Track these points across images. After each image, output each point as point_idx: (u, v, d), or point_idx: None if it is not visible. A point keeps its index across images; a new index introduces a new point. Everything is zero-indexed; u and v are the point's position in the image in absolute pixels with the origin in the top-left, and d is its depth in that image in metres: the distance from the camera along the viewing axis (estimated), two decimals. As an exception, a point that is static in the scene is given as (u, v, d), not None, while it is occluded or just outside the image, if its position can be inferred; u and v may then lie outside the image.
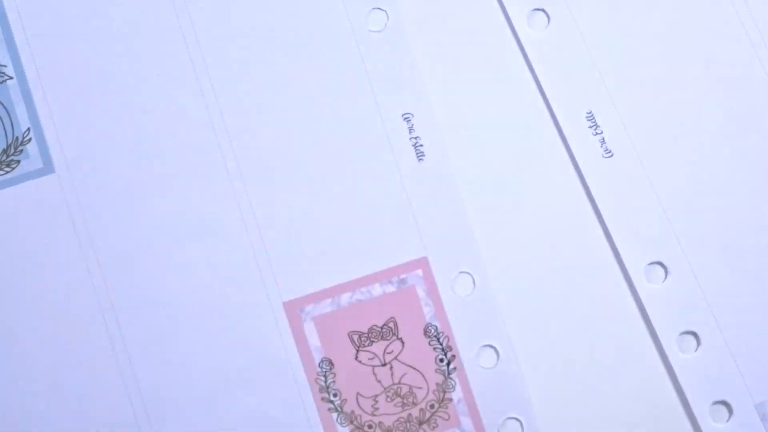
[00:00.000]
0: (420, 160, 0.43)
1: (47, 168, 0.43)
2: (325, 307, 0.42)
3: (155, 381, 0.42)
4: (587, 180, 0.43)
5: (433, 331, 0.42)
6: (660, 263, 0.43)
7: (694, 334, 0.42)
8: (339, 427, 0.42)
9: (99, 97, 0.43)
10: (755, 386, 0.42)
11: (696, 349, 0.42)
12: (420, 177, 0.43)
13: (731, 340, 0.42)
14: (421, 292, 0.42)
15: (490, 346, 0.42)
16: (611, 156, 0.43)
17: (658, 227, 0.43)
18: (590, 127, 0.43)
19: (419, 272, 0.42)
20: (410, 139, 0.43)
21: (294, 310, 0.42)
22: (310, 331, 0.42)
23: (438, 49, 0.44)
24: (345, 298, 0.42)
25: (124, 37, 0.43)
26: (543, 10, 0.44)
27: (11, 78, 0.43)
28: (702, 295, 0.42)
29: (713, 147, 0.43)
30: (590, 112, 0.43)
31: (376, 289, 0.42)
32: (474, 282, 0.42)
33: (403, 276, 0.42)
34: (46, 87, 0.43)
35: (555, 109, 0.43)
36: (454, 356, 0.42)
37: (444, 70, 0.44)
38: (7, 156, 0.43)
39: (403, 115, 0.43)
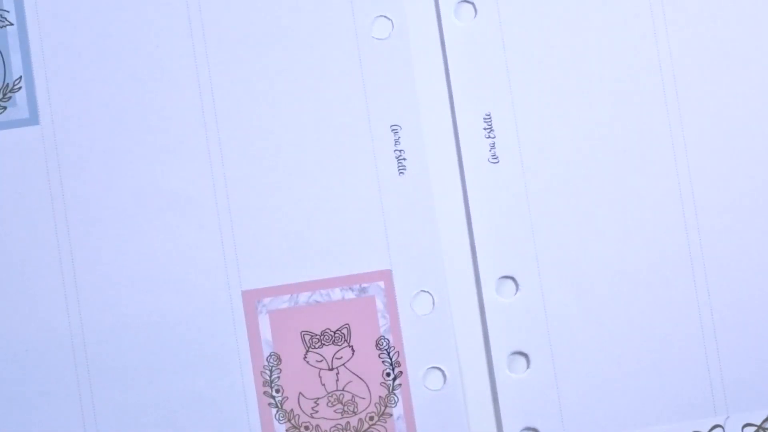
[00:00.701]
0: (401, 173, 0.43)
1: (32, 119, 0.43)
2: (283, 302, 0.42)
3: (103, 345, 0.42)
4: (467, 182, 0.43)
5: (385, 344, 0.42)
6: (512, 278, 0.42)
7: (526, 356, 0.42)
8: (276, 423, 0.42)
9: (94, 58, 0.43)
10: (570, 421, 0.41)
11: (524, 372, 0.42)
12: (397, 190, 0.43)
13: (559, 371, 0.42)
14: (379, 304, 0.42)
15: (439, 369, 0.42)
16: (497, 162, 0.43)
17: (520, 243, 0.42)
18: (485, 128, 0.42)
19: (381, 284, 0.42)
20: (394, 151, 0.43)
21: (251, 300, 0.42)
22: (264, 323, 0.42)
23: (439, 61, 0.44)
24: (304, 297, 0.42)
25: (130, 5, 0.43)
26: (471, 3, 0.43)
27: (11, 24, 0.43)
28: (544, 319, 0.42)
29: (599, 177, 0.43)
30: (489, 115, 0.42)
31: (336, 294, 0.42)
32: (433, 302, 0.42)
33: (364, 285, 0.42)
34: (44, 39, 0.43)
35: (456, 105, 0.43)
36: (401, 372, 0.42)
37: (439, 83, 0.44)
38: (-5, 100, 0.43)
39: (391, 126, 0.43)
